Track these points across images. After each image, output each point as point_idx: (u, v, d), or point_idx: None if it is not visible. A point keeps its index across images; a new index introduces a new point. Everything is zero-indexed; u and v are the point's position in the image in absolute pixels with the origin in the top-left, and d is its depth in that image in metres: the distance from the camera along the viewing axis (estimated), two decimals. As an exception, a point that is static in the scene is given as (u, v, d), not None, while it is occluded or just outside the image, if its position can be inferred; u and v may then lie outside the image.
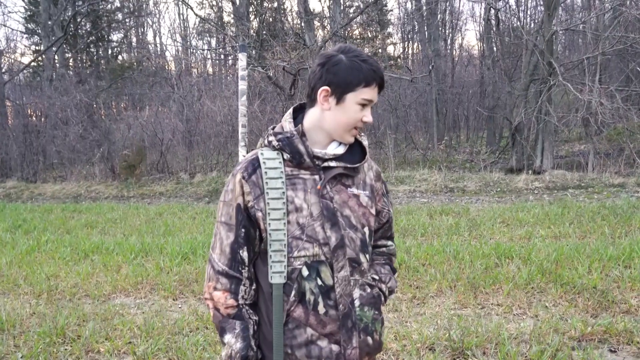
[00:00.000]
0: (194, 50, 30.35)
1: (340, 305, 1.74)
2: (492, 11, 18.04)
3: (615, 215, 8.71)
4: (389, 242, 2.09)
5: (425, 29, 25.31)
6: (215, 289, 1.77)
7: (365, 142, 1.90)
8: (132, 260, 7.34)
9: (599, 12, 15.69)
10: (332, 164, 1.79)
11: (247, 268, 1.77)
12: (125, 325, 4.88)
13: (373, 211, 1.90)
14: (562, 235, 7.80)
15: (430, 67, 19.02)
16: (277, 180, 1.73)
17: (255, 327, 1.78)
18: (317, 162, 1.78)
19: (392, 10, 35.57)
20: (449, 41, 28.16)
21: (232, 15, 23.41)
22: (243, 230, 1.75)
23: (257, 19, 22.19)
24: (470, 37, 60.34)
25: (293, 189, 1.74)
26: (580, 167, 14.63)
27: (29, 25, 31.86)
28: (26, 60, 29.47)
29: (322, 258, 1.73)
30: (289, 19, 23.36)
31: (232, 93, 17.75)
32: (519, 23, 19.34)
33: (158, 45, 34.68)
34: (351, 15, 24.16)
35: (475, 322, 4.63)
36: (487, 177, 14.08)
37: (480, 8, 25.48)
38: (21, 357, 4.32)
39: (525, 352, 4.06)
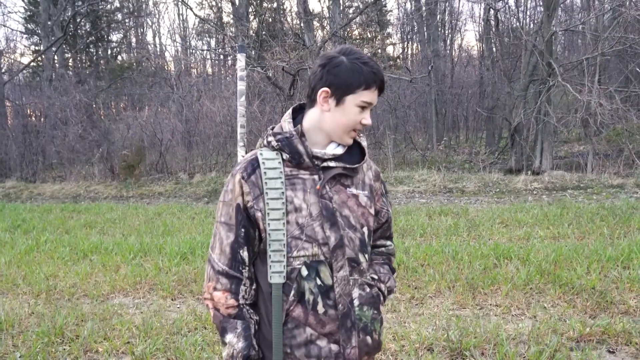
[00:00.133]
0: (194, 51, 30.36)
1: (340, 305, 1.74)
2: (492, 12, 18.06)
3: (614, 216, 8.72)
4: (388, 242, 2.09)
5: (425, 29, 25.30)
6: (215, 289, 1.77)
7: (364, 143, 1.91)
8: (131, 260, 7.34)
9: (599, 12, 15.70)
10: (332, 164, 1.79)
11: (247, 268, 1.77)
12: (124, 325, 4.88)
13: (372, 211, 1.90)
14: (560, 236, 7.80)
15: (430, 68, 19.03)
16: (276, 180, 1.73)
17: (256, 326, 1.79)
18: (316, 162, 1.78)
19: (391, 11, 35.66)
20: (448, 42, 28.19)
21: (231, 16, 23.45)
22: (243, 230, 1.75)
23: (257, 19, 22.23)
24: (469, 37, 60.36)
25: (292, 189, 1.75)
26: (579, 167, 14.64)
27: (28, 26, 31.87)
28: (26, 60, 29.48)
29: (322, 258, 1.73)
30: (289, 19, 23.36)
31: (231, 93, 17.75)
32: (518, 23, 19.35)
33: (157, 45, 34.70)
34: (350, 16, 24.19)
35: (473, 322, 4.63)
36: (486, 177, 14.08)
37: (480, 8, 25.56)
38: (20, 357, 4.32)
39: (523, 353, 4.06)
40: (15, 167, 20.22)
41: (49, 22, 24.44)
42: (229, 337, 1.73)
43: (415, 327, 4.63)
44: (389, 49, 28.68)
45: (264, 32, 17.85)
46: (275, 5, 23.42)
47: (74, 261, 7.49)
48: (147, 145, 18.97)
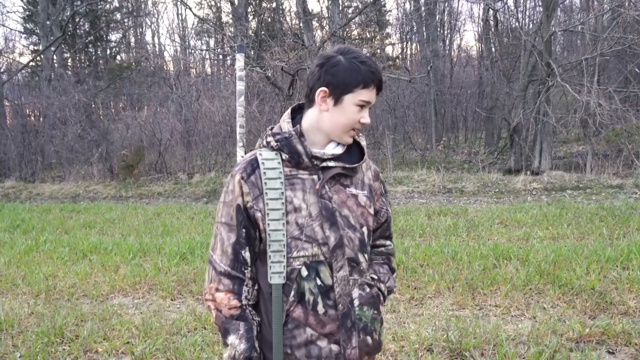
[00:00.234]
0: (193, 51, 30.34)
1: (340, 305, 1.74)
2: (491, 12, 18.07)
3: (613, 217, 8.72)
4: (388, 242, 2.09)
5: (424, 29, 25.32)
6: (217, 290, 1.76)
7: (364, 142, 1.91)
8: (130, 260, 7.33)
9: (598, 13, 15.72)
10: (331, 164, 1.79)
11: (249, 268, 1.77)
12: (124, 326, 4.88)
13: (371, 211, 1.90)
14: (560, 236, 7.81)
15: (429, 68, 19.03)
16: (275, 180, 1.73)
17: (258, 328, 1.78)
18: (315, 162, 1.78)
19: (390, 11, 35.65)
20: (447, 42, 28.19)
21: (230, 16, 23.43)
22: (244, 230, 1.75)
23: (256, 19, 22.20)
24: (468, 37, 60.19)
25: (292, 189, 1.75)
26: (578, 168, 14.64)
27: (27, 25, 31.84)
28: (25, 60, 29.48)
29: (321, 258, 1.73)
30: (288, 19, 23.34)
31: (230, 93, 17.74)
32: (517, 24, 19.34)
33: (156, 45, 34.69)
34: (350, 16, 24.20)
35: (473, 323, 4.63)
36: (486, 177, 14.09)
37: (479, 9, 25.58)
38: (19, 357, 4.32)
39: (523, 354, 4.07)
40: (14, 167, 20.21)
41: (48, 22, 24.43)
42: (231, 339, 1.72)
43: (415, 327, 4.63)
44: (388, 49, 28.69)
45: (263, 32, 17.83)
46: (274, 5, 23.41)
47: (73, 261, 7.48)
48: (146, 145, 18.97)
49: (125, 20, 32.35)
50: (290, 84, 15.59)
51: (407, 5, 29.73)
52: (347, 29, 21.95)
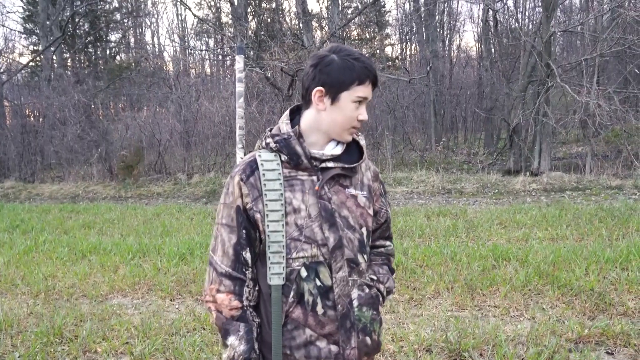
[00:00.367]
0: (192, 51, 30.34)
1: (339, 306, 1.74)
2: (490, 12, 18.06)
3: (612, 218, 8.72)
4: (387, 243, 2.09)
5: (423, 30, 25.32)
6: (218, 291, 1.76)
7: (363, 142, 1.91)
8: (129, 260, 7.33)
9: (597, 13, 15.73)
10: (330, 164, 1.80)
11: (250, 269, 1.77)
12: (123, 326, 4.88)
13: (371, 212, 1.90)
14: (559, 237, 7.81)
15: (428, 69, 19.04)
16: (275, 181, 1.74)
17: (258, 329, 1.79)
18: (314, 163, 1.78)
19: (390, 11, 35.57)
20: (447, 42, 28.17)
21: (230, 16, 23.43)
22: (244, 231, 1.76)
23: (255, 19, 22.18)
24: (468, 38, 60.27)
25: (291, 190, 1.75)
26: (577, 169, 14.64)
27: (27, 25, 31.82)
28: (24, 60, 29.48)
29: (321, 259, 1.73)
30: (287, 19, 23.37)
31: (230, 94, 17.73)
32: (517, 24, 19.37)
33: (156, 45, 34.69)
34: (349, 16, 24.19)
35: (472, 323, 4.63)
36: (485, 178, 14.09)
37: (479, 9, 25.61)
38: (18, 357, 4.32)
39: (522, 354, 4.07)
40: (14, 167, 20.20)
41: (48, 22, 24.42)
42: (231, 340, 1.73)
43: (414, 328, 4.63)
44: (388, 50, 28.69)
45: (262, 33, 17.82)
46: (274, 5, 23.42)
47: (72, 261, 7.48)
48: (146, 146, 18.96)
49: (125, 20, 32.36)
50: (290, 85, 15.58)
51: (407, 6, 29.76)
52: (347, 30, 21.95)
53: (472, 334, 4.38)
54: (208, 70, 31.61)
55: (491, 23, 18.76)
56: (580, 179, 13.28)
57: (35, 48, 31.12)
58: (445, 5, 25.38)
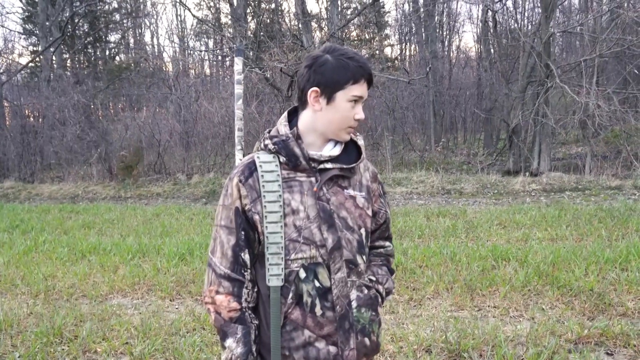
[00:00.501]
0: (192, 52, 30.34)
1: (338, 307, 1.74)
2: (490, 13, 18.07)
3: (612, 218, 8.72)
4: (387, 243, 2.09)
5: (423, 30, 25.34)
6: (217, 292, 1.76)
7: (361, 142, 1.91)
8: (129, 261, 7.33)
9: (597, 14, 15.74)
10: (328, 165, 1.80)
11: (249, 271, 1.77)
12: (122, 326, 4.88)
13: (369, 212, 1.90)
14: (559, 237, 7.81)
15: (428, 69, 19.04)
16: (273, 183, 1.74)
17: (256, 331, 1.79)
18: (313, 165, 1.78)
19: (389, 12, 35.55)
20: (446, 43, 28.17)
21: (229, 17, 23.41)
22: (243, 233, 1.76)
23: (255, 20, 22.16)
24: (467, 39, 60.22)
25: (289, 191, 1.75)
26: (577, 169, 14.64)
27: (26, 26, 31.82)
28: (24, 60, 29.47)
29: (319, 260, 1.74)
30: (287, 20, 23.32)
31: (229, 94, 17.73)
32: (516, 25, 19.38)
33: (155, 46, 34.67)
34: (349, 17, 24.15)
35: (471, 324, 4.63)
36: (484, 179, 14.09)
37: (478, 10, 25.60)
38: (18, 357, 4.32)
39: (521, 355, 4.07)
40: (14, 168, 20.20)
41: (47, 23, 24.41)
42: (229, 342, 1.73)
43: (414, 328, 4.64)
44: (387, 51, 28.67)
45: (262, 33, 17.82)
46: (273, 6, 23.41)
47: (72, 262, 7.48)
48: (145, 146, 18.97)
49: (124, 21, 32.34)
50: (289, 85, 15.59)
51: (406, 7, 29.76)
52: (346, 30, 21.93)
53: (471, 334, 4.38)
54: (207, 71, 31.65)
55: (490, 24, 18.77)
56: (580, 179, 13.29)
57: (34, 49, 31.13)
58: (445, 5, 25.42)
